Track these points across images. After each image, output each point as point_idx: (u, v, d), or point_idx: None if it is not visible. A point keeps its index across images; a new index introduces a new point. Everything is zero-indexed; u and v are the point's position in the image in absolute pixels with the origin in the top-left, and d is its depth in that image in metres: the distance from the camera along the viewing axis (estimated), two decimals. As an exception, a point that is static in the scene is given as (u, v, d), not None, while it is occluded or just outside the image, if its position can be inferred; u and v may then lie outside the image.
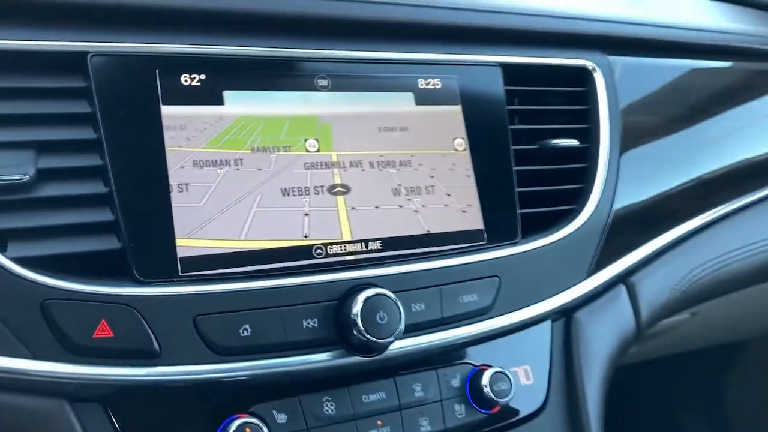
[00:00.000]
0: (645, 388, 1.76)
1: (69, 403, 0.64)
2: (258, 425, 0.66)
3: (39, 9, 0.66)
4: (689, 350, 1.51)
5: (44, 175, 0.64)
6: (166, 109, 0.69)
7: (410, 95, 0.81)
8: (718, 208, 1.05)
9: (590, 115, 0.92)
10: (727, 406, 1.76)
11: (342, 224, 0.74)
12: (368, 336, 0.68)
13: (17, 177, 0.62)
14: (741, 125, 1.10)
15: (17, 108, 0.65)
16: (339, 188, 0.74)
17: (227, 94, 0.72)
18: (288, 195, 0.72)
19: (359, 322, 0.68)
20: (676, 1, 1.13)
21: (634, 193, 0.94)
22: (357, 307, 0.69)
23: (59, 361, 0.62)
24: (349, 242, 0.73)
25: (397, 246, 0.75)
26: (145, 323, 0.64)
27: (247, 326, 0.67)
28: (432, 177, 0.79)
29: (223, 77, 0.72)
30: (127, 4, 0.69)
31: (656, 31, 1.01)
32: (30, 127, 0.65)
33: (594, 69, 0.93)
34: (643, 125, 0.99)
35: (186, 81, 0.71)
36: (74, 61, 0.67)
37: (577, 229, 0.87)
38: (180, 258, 0.66)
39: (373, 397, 0.73)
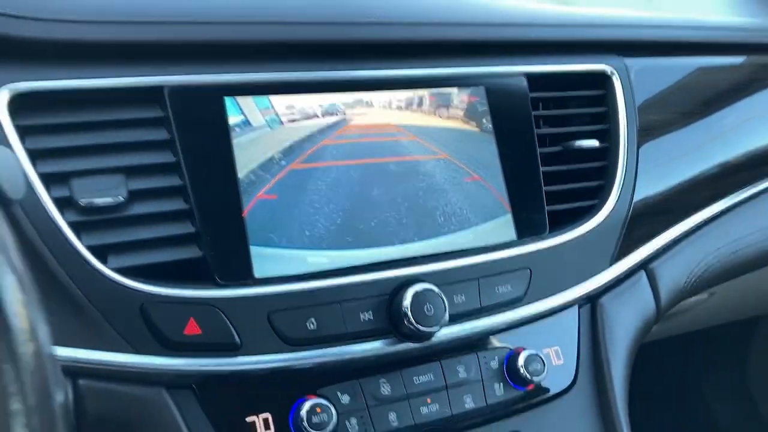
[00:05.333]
0: (669, 364, 1.78)
1: (166, 390, 0.72)
2: (326, 405, 0.72)
3: (120, 49, 0.72)
4: (709, 326, 1.53)
5: (134, 196, 0.70)
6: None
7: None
8: (732, 195, 1.06)
9: (609, 116, 0.94)
10: (749, 378, 1.80)
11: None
12: (417, 326, 0.74)
13: (112, 199, 0.69)
14: (752, 116, 1.11)
15: (107, 138, 0.71)
16: None
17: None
18: None
19: (409, 313, 0.74)
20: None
21: (652, 187, 0.97)
22: (407, 301, 0.74)
23: (157, 355, 0.69)
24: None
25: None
26: (227, 320, 0.70)
27: (313, 320, 0.73)
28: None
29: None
30: (195, 41, 0.76)
31: (669, 33, 1.03)
32: (119, 153, 0.71)
33: (612, 73, 0.95)
34: (659, 122, 1.01)
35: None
36: (153, 94, 0.72)
37: (600, 223, 0.90)
38: (254, 263, 0.73)
39: (422, 378, 0.79)
